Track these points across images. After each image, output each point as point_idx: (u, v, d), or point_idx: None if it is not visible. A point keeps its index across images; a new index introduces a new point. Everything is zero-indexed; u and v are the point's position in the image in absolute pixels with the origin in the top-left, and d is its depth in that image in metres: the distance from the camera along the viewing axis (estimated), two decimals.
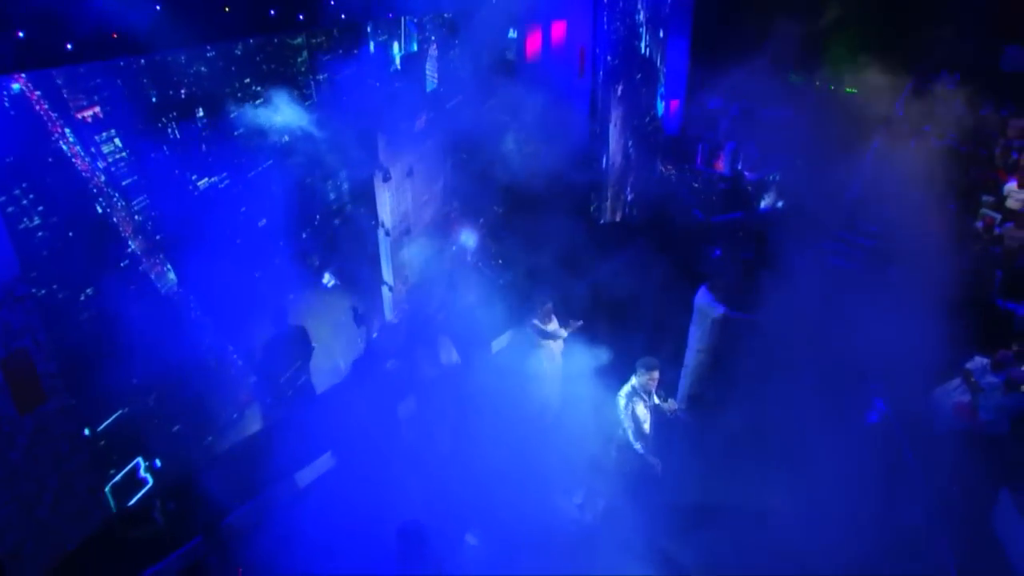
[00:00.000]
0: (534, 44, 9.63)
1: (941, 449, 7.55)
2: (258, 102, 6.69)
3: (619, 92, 11.41)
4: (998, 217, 10.89)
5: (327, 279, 7.76)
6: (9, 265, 5.39)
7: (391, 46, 8.05)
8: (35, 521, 5.99)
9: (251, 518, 6.66)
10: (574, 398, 7.98)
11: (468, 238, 9.54)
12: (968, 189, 11.32)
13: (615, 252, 11.09)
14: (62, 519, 6.21)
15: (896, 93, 12.99)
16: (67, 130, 5.62)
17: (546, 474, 7.43)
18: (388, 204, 8.17)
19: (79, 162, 5.69)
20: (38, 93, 5.43)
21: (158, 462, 6.63)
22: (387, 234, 8.30)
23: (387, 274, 8.60)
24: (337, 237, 7.79)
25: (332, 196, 7.68)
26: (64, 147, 5.61)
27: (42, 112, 5.49)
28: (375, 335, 8.34)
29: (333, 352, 8.05)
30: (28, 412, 5.88)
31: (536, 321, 7.59)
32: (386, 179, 7.93)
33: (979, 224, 10.91)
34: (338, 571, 5.61)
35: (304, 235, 7.45)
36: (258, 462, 6.91)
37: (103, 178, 5.84)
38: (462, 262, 9.39)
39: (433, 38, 8.46)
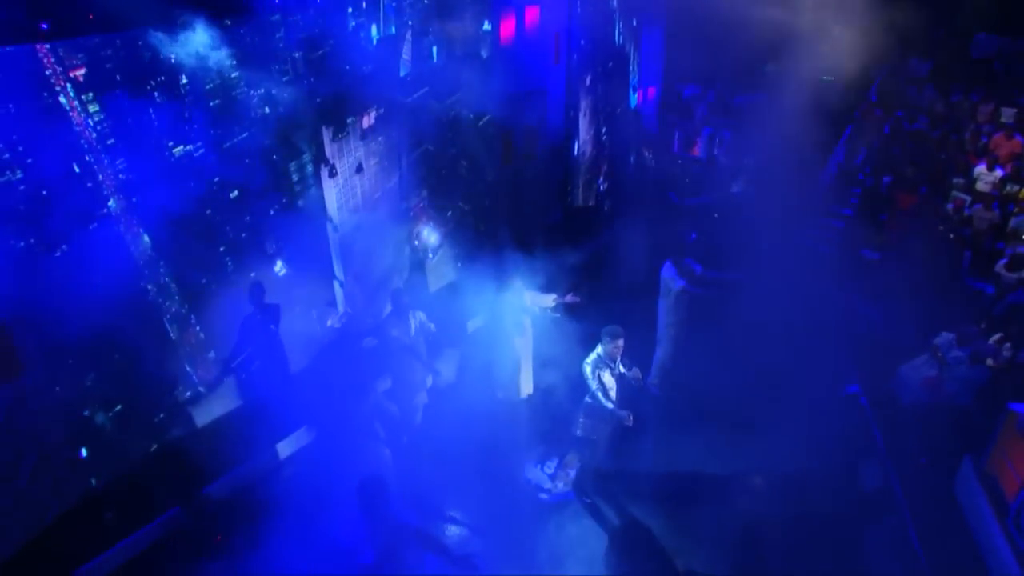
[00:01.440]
0: (508, 29, 9.76)
1: (907, 420, 7.76)
2: (236, 75, 6.83)
3: (594, 78, 11.56)
4: (968, 199, 11.13)
5: (279, 267, 7.74)
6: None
7: (369, 28, 8.12)
8: (14, 492, 6.10)
9: (229, 489, 6.80)
10: (546, 371, 8.22)
11: (434, 231, 9.50)
12: (939, 172, 11.55)
13: (591, 234, 11.25)
14: (40, 491, 6.31)
15: (869, 80, 13.25)
16: (68, 85, 5.83)
17: (519, 445, 7.66)
18: (335, 199, 8.11)
19: (75, 116, 5.87)
20: (47, 47, 5.65)
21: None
22: (335, 229, 8.24)
23: (337, 269, 8.53)
24: (293, 223, 7.80)
25: (296, 178, 7.73)
26: (64, 100, 5.82)
27: (48, 66, 5.69)
28: (331, 323, 8.28)
29: (288, 338, 7.93)
30: (6, 383, 6.03)
31: (511, 296, 7.73)
32: (332, 175, 7.88)
33: (950, 206, 11.14)
34: (310, 535, 5.80)
35: (272, 212, 7.52)
36: (236, 436, 7.05)
37: (94, 135, 6.01)
38: (426, 254, 9.38)
39: (410, 22, 8.53)
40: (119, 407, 6.74)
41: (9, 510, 6.12)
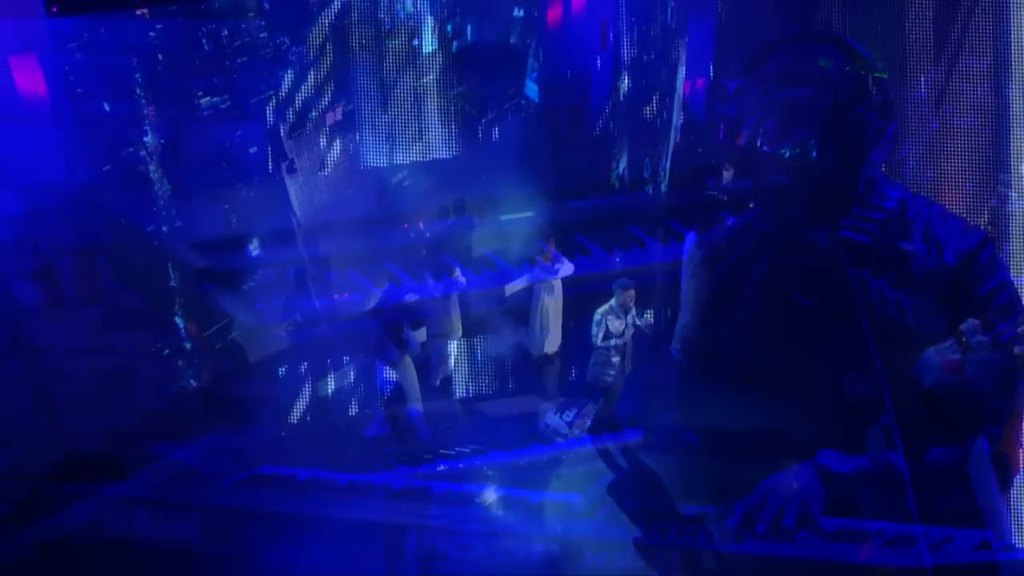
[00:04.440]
0: (554, 13, 10.17)
1: (926, 399, 7.86)
2: (264, 35, 7.22)
3: (640, 66, 11.88)
4: (1013, 196, 11.02)
5: (253, 245, 7.63)
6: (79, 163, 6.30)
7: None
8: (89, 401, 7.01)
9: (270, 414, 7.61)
10: (572, 327, 8.84)
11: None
12: (987, 167, 11.43)
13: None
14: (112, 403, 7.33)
15: (923, 75, 13.08)
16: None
17: (542, 397, 8.42)
18: (295, 196, 7.97)
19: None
20: None
21: None
22: (299, 224, 8.13)
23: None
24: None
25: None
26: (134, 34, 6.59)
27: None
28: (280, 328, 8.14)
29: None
30: (94, 306, 6.84)
31: (539, 258, 8.21)
32: (290, 171, 7.71)
33: (994, 202, 11.04)
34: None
35: (279, 178, 7.68)
36: (281, 373, 7.83)
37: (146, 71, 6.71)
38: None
39: None
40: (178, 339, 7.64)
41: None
